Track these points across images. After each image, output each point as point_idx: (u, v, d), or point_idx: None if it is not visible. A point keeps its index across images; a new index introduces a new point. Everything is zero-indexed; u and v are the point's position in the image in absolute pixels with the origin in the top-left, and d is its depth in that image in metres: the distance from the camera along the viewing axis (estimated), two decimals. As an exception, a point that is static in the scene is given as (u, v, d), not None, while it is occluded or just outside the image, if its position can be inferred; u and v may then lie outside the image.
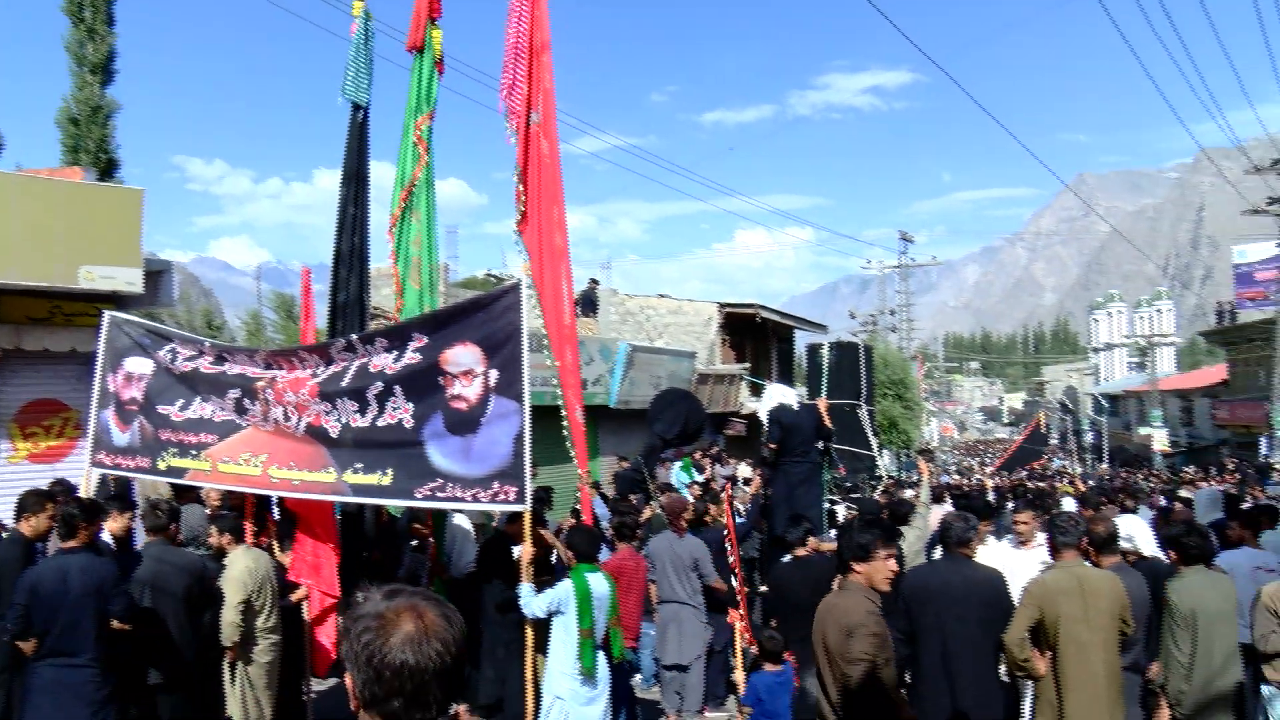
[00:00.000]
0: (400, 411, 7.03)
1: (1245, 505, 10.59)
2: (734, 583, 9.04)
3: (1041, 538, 7.37)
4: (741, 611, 9.01)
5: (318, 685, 9.22)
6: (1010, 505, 14.48)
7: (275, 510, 8.98)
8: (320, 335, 9.57)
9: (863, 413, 14.42)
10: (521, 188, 7.84)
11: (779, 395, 9.85)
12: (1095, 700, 5.73)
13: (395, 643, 2.13)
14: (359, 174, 9.05)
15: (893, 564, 5.50)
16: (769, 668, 7.10)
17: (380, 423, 7.11)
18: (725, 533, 9.22)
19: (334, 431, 7.29)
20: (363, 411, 7.18)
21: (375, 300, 19.61)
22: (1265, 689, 5.93)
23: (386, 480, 7.11)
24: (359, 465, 7.20)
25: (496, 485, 6.69)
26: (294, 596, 8.04)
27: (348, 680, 2.22)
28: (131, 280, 10.70)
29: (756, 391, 25.67)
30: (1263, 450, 39.71)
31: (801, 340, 35.82)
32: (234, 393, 7.71)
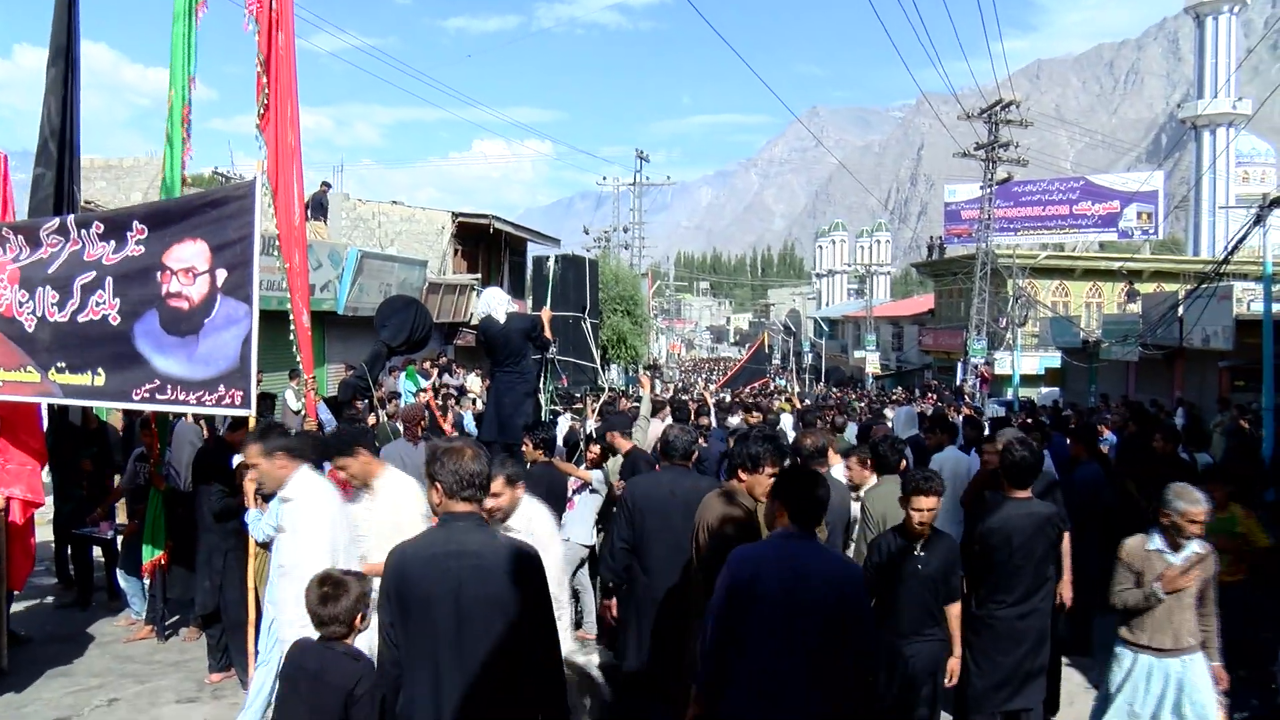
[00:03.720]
0: (105, 307, 6.73)
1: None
2: None
3: None
4: None
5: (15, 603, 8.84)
6: (736, 419, 15.07)
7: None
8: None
9: (586, 325, 14.67)
10: (265, 79, 7.51)
11: (487, 303, 9.68)
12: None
13: (467, 459, 3.87)
14: (68, 52, 8.42)
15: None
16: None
17: (81, 317, 6.78)
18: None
19: (29, 325, 6.88)
20: (62, 304, 6.81)
21: (89, 194, 18.46)
22: (1118, 646, 5.87)
23: (100, 381, 6.82)
24: (61, 364, 6.85)
25: (222, 389, 6.55)
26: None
27: (433, 491, 3.91)
28: None
29: (489, 303, 25.61)
30: (959, 375, 42.77)
31: (535, 253, 35.97)
32: None
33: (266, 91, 7.46)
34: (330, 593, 4.20)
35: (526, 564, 3.82)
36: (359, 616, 4.27)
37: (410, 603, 3.72)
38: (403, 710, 3.79)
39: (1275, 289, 12.58)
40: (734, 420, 15.04)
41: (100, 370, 6.79)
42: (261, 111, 7.44)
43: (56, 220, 7.05)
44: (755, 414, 13.82)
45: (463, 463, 3.86)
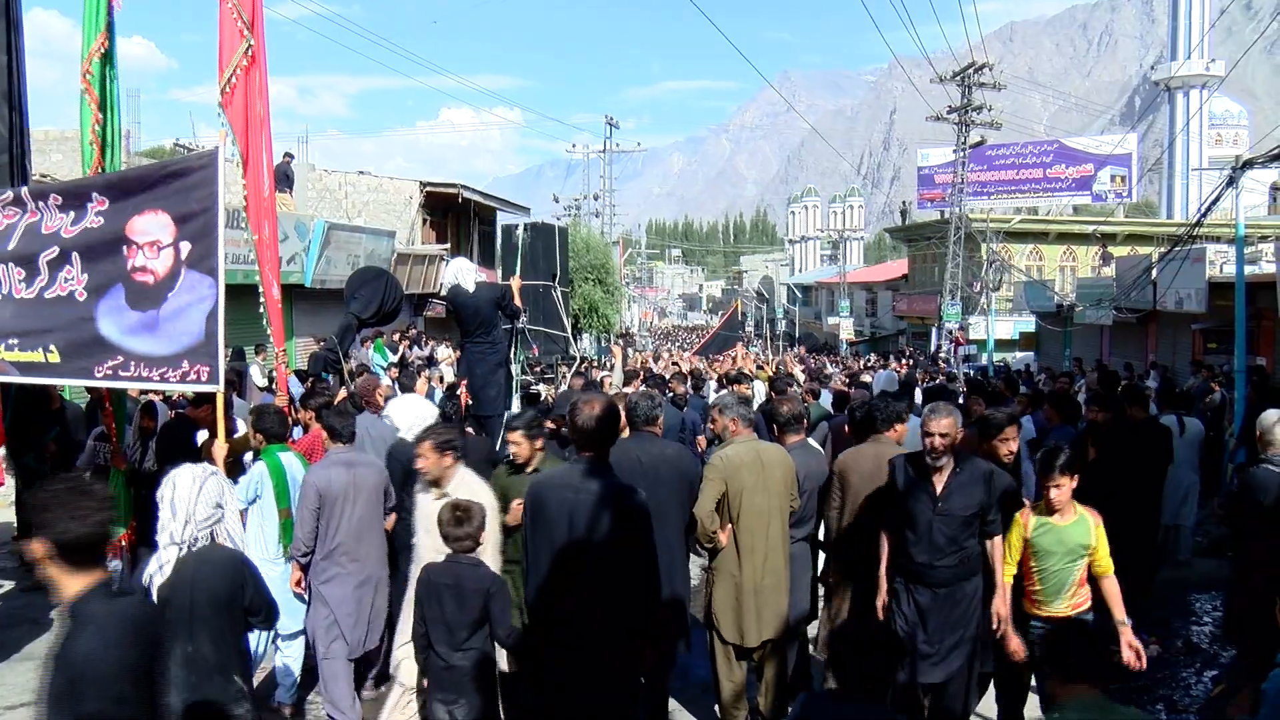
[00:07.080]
0: (73, 283, 6.50)
1: (920, 386, 12.12)
2: None
3: None
4: None
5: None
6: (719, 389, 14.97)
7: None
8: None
9: (556, 294, 14.51)
10: (252, 38, 7.25)
11: (454, 273, 9.55)
12: (772, 564, 6.10)
13: (582, 413, 4.85)
14: (8, 11, 8.10)
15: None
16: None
17: (48, 294, 6.54)
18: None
19: None
20: (29, 281, 6.60)
21: (45, 167, 18.09)
22: None
23: (54, 358, 6.60)
24: (12, 341, 6.62)
25: (187, 364, 6.37)
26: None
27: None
28: None
29: (459, 273, 25.39)
30: (934, 340, 42.86)
31: (504, 222, 35.71)
32: None
33: (246, 54, 7.20)
34: (462, 516, 5.15)
35: (618, 499, 4.84)
36: (482, 534, 5.23)
37: (539, 519, 4.90)
38: (529, 598, 5.02)
39: (1247, 251, 12.58)
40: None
41: (53, 347, 6.57)
42: (231, 80, 7.21)
43: (10, 192, 6.81)
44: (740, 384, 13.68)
45: (579, 415, 4.88)
